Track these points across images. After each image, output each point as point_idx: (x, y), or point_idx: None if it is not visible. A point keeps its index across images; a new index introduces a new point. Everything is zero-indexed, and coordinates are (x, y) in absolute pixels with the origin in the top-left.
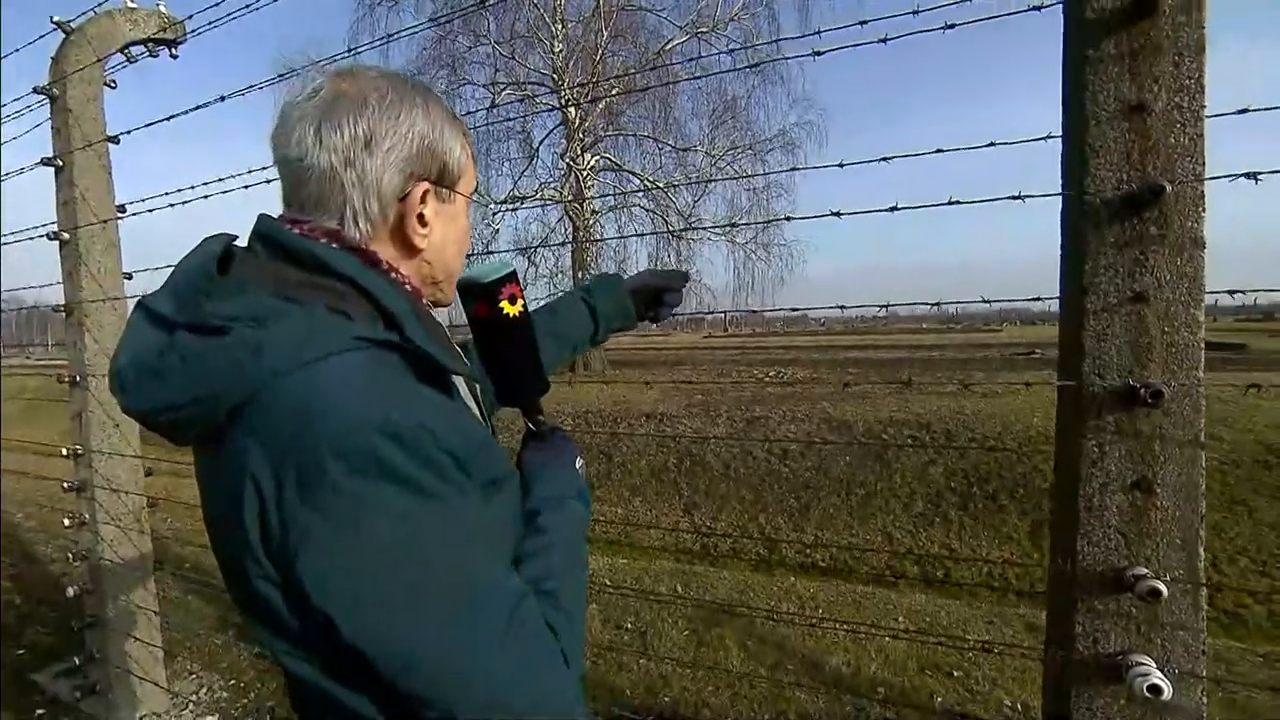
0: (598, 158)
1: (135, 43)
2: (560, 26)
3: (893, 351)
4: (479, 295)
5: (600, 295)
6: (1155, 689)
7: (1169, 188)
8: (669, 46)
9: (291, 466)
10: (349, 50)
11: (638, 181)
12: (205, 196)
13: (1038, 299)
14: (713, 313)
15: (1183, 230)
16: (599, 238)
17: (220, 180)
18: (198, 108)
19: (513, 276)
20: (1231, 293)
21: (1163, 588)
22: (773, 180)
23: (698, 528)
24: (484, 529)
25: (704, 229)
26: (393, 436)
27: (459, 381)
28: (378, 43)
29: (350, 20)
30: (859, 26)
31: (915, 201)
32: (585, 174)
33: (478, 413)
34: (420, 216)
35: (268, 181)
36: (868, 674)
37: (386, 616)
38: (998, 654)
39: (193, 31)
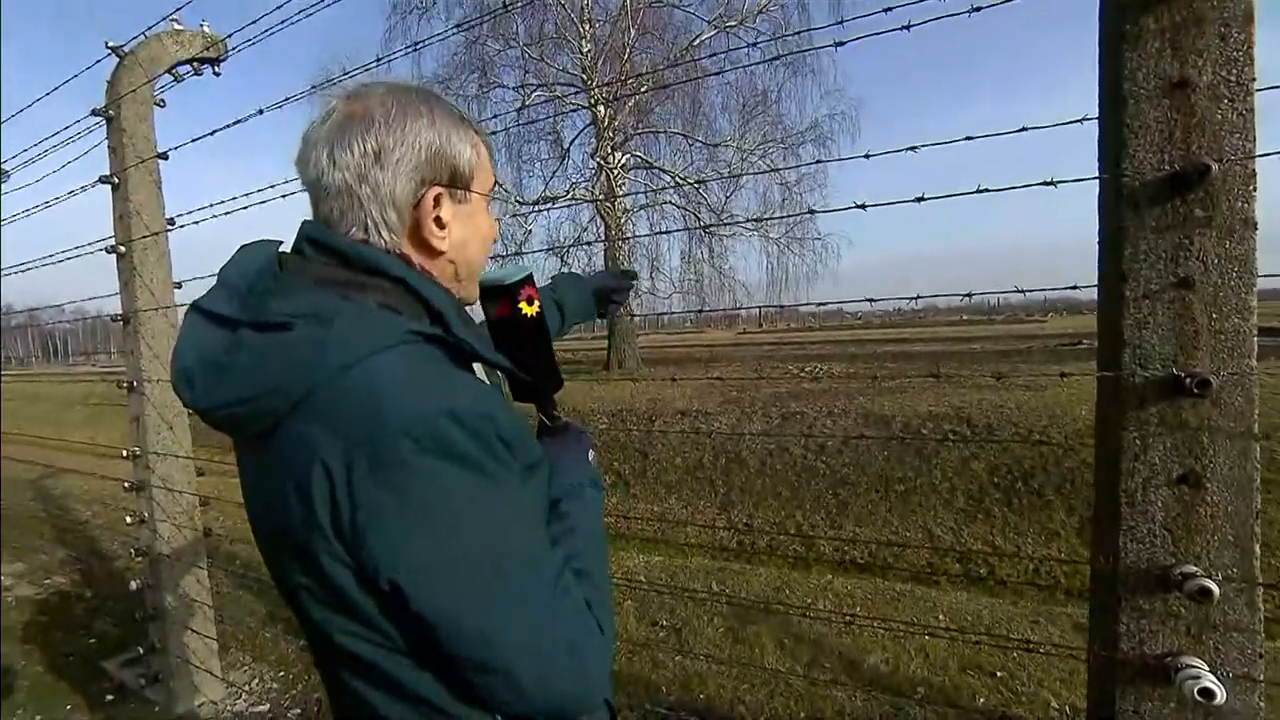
0: (628, 156)
1: (182, 62)
2: (588, 26)
3: (930, 345)
4: (500, 296)
5: (567, 294)
6: (1207, 692)
7: (1215, 166)
8: (697, 41)
9: (362, 449)
10: (379, 59)
11: (669, 178)
12: (245, 207)
13: (1075, 287)
14: (742, 309)
15: (1231, 211)
16: (631, 235)
17: (260, 191)
18: (237, 122)
19: (530, 279)
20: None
21: (1214, 587)
22: (805, 174)
23: (733, 524)
24: (528, 507)
25: (736, 224)
26: (458, 421)
27: (481, 373)
28: (407, 50)
29: (383, 28)
30: (883, 14)
31: (946, 190)
32: (616, 172)
33: None
34: (437, 219)
35: (286, 195)
36: (907, 673)
37: (452, 584)
38: (1043, 654)
39: (234, 49)
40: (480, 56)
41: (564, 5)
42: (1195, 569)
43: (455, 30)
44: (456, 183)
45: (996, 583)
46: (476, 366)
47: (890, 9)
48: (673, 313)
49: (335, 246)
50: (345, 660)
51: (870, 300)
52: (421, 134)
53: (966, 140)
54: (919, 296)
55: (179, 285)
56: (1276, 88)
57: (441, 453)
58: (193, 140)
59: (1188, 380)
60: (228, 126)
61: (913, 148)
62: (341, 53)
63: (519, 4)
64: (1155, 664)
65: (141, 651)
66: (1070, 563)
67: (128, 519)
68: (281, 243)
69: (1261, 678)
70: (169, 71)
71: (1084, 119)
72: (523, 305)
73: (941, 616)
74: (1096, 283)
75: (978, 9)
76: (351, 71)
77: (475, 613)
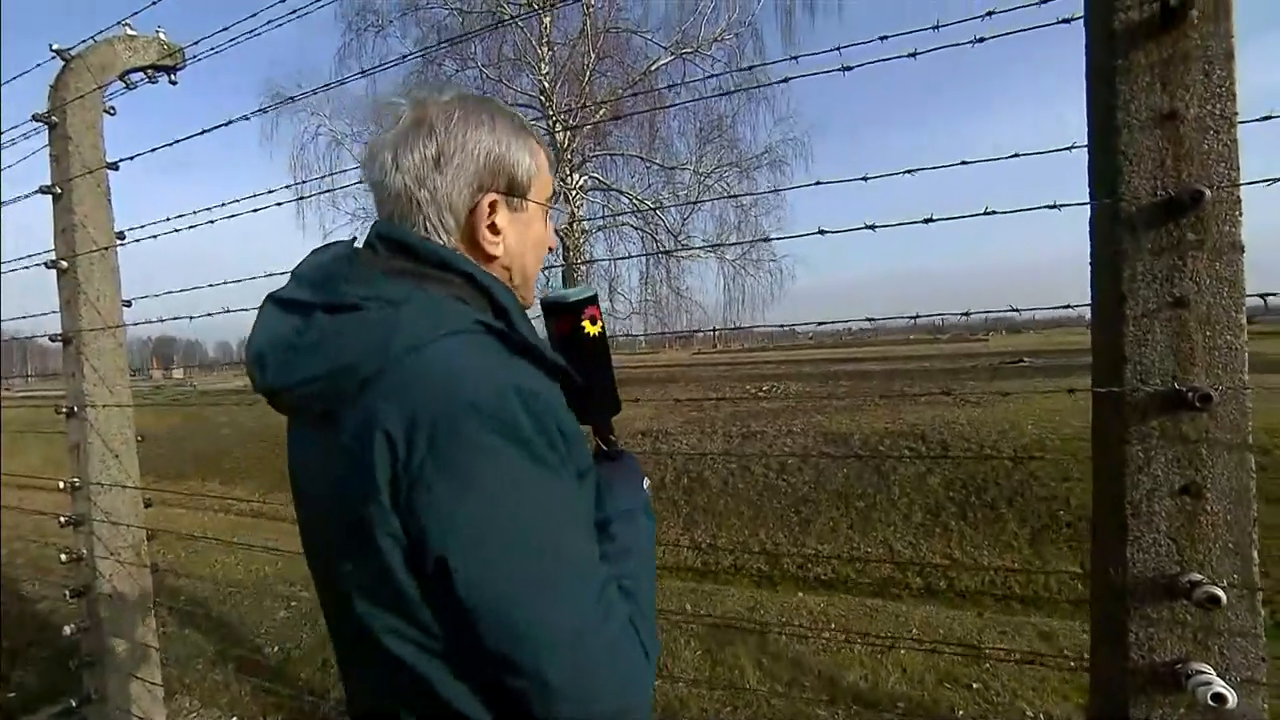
0: (586, 178)
1: (134, 70)
2: (547, 49)
3: (883, 363)
4: (563, 314)
5: None
6: (1220, 697)
7: (1209, 193)
8: (655, 67)
9: (427, 422)
10: (328, 85)
11: (627, 201)
12: (211, 222)
13: (1068, 306)
14: (699, 332)
15: (1220, 235)
16: (590, 259)
17: (224, 205)
18: (196, 135)
19: (594, 299)
20: (1264, 296)
21: (1221, 594)
22: (761, 197)
23: (697, 544)
24: (581, 509)
25: (693, 248)
26: (523, 400)
27: None
28: (365, 73)
29: (337, 46)
30: (837, 52)
31: (945, 214)
32: (574, 194)
33: None
34: (492, 225)
35: (257, 210)
36: (886, 688)
37: (496, 567)
38: (1014, 664)
39: (192, 58)
40: (437, 77)
41: (523, 28)
42: (1201, 576)
43: (413, 55)
44: (514, 191)
45: (956, 595)
46: None
47: (840, 48)
48: (633, 335)
49: (405, 241)
50: (380, 664)
51: (821, 323)
52: (481, 141)
53: (914, 170)
54: (918, 316)
55: (128, 303)
56: (1258, 120)
57: (505, 433)
58: (151, 150)
59: (1189, 394)
60: (187, 138)
61: (865, 177)
62: (294, 68)
63: (478, 30)
64: (1165, 671)
65: (75, 704)
66: (1025, 573)
67: (63, 557)
68: (355, 239)
69: (1264, 680)
70: (121, 79)
71: (1073, 146)
72: (585, 324)
73: (915, 630)
74: (1089, 302)
75: (914, 55)
76: (308, 93)
77: (515, 603)
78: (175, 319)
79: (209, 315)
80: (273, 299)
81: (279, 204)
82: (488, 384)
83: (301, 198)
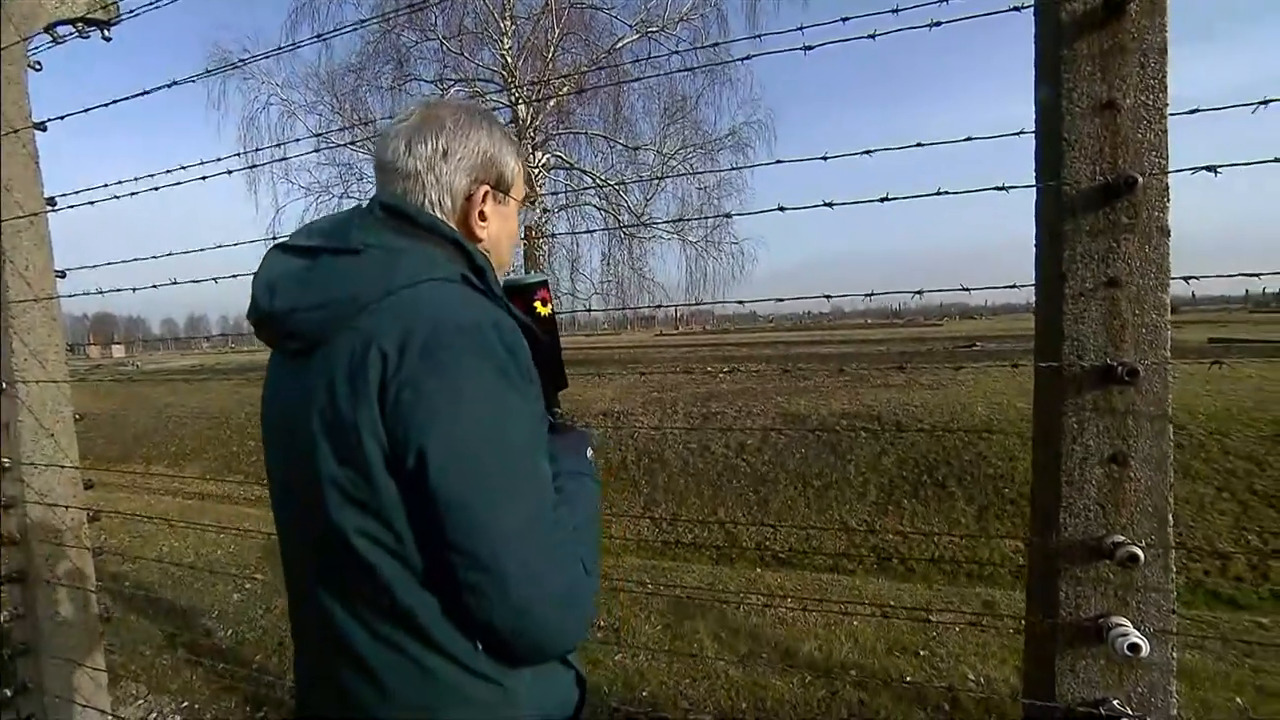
0: (549, 156)
1: (62, 21)
2: (510, 23)
3: (841, 347)
4: (518, 295)
5: None
6: (1135, 647)
7: (1141, 179)
8: (620, 45)
9: (418, 337)
10: (286, 46)
11: (590, 180)
12: (155, 189)
13: (1014, 286)
14: (660, 306)
15: (1150, 220)
16: (551, 233)
17: (169, 172)
18: (137, 95)
19: (545, 284)
20: (1186, 278)
21: (1140, 553)
22: (724, 179)
23: (657, 522)
24: (543, 439)
25: (655, 225)
26: (500, 335)
27: None
28: (321, 37)
29: (289, 9)
30: (800, 33)
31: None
32: (537, 172)
33: None
34: (481, 212)
35: (207, 177)
36: (839, 657)
37: (471, 466)
38: (959, 631)
39: (129, 12)
40: (395, 46)
41: (485, 0)
42: (1123, 538)
43: (369, 21)
44: (501, 186)
45: (907, 570)
46: None
47: (803, 28)
48: (592, 310)
49: (402, 208)
50: (346, 576)
51: (779, 299)
52: (481, 142)
53: (874, 151)
54: (872, 294)
55: (62, 274)
56: (1186, 113)
57: (485, 355)
58: (84, 110)
59: (1119, 369)
60: (121, 100)
61: (825, 156)
62: (242, 32)
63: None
64: (1090, 625)
65: (10, 693)
66: (972, 548)
67: None
68: (359, 205)
69: (1175, 630)
70: (47, 31)
71: (1021, 132)
72: (537, 305)
73: (867, 603)
74: (1034, 281)
75: (873, 36)
76: (257, 57)
77: (484, 502)
78: (117, 291)
79: (154, 287)
80: (280, 246)
81: (229, 172)
82: (471, 316)
83: (253, 166)
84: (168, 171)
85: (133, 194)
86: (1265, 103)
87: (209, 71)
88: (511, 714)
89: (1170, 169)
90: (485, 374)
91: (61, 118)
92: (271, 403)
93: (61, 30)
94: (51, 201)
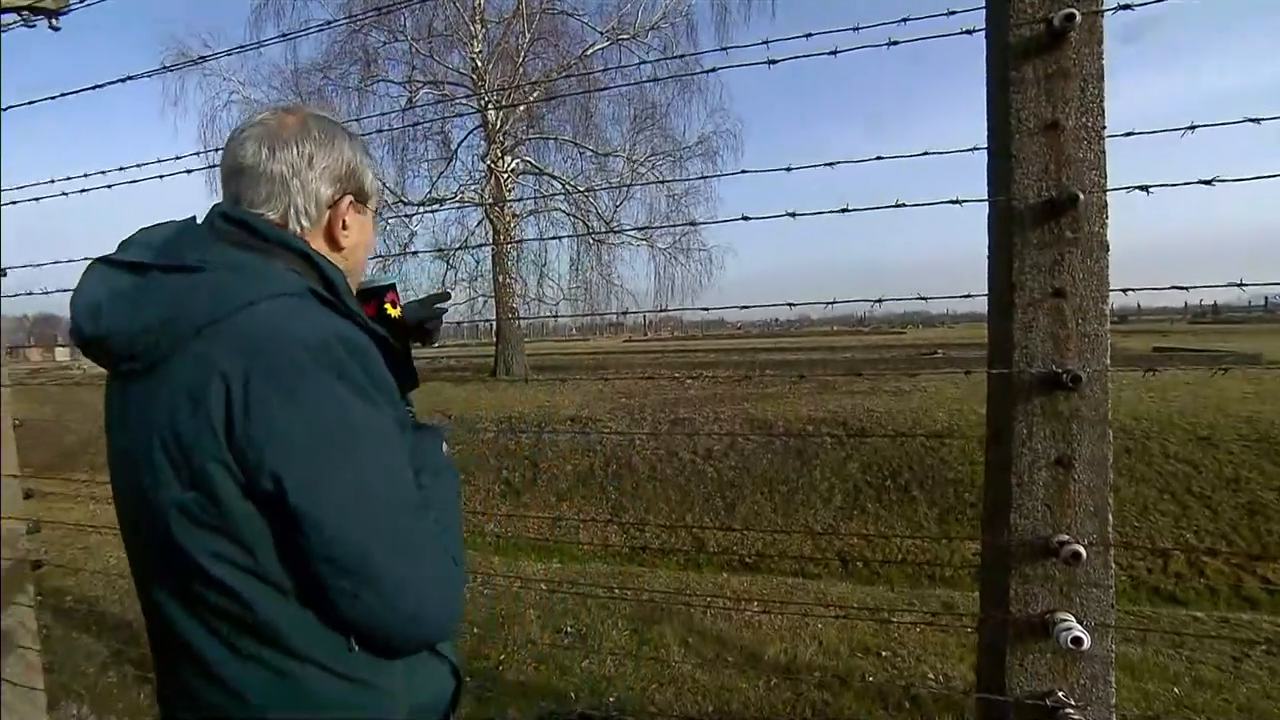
0: (518, 161)
1: (7, 9)
2: (480, 26)
3: (809, 354)
4: (369, 298)
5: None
6: (1077, 640)
7: (1082, 196)
8: (590, 51)
9: (261, 361)
10: (249, 44)
11: (559, 185)
12: (109, 186)
13: (969, 295)
14: (629, 312)
15: (1091, 234)
16: (520, 239)
17: (122, 169)
18: (87, 89)
19: (394, 287)
20: (1125, 290)
21: (1083, 551)
22: (692, 186)
23: (624, 528)
24: (400, 442)
25: (624, 231)
26: (345, 347)
27: None
28: (287, 37)
29: (253, 6)
30: (765, 46)
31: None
32: (506, 177)
33: None
34: (344, 221)
35: (162, 176)
36: (804, 659)
37: (326, 473)
38: (919, 631)
39: (79, 3)
40: (363, 47)
41: (455, 3)
42: (1068, 537)
43: (337, 22)
44: (361, 197)
45: (871, 573)
46: None
47: (767, 42)
48: (559, 316)
49: (246, 219)
50: (203, 589)
51: (744, 306)
52: (345, 151)
53: (834, 164)
54: (835, 301)
55: (3, 273)
56: (1123, 135)
57: (330, 367)
58: (28, 103)
59: (1064, 376)
60: (64, 94)
61: (789, 168)
62: (202, 28)
63: (408, 1)
64: (1037, 621)
65: None
66: (933, 551)
67: None
68: (194, 218)
69: (1114, 624)
70: None
71: (974, 149)
72: (388, 307)
73: (831, 607)
74: (986, 291)
75: (834, 53)
76: (219, 54)
77: (348, 516)
78: (64, 291)
79: None
80: (103, 260)
81: (188, 171)
82: (314, 331)
83: (213, 165)
84: (121, 169)
85: (83, 190)
86: (1192, 128)
87: (166, 67)
88: (386, 714)
89: (1109, 187)
90: (335, 390)
91: (4, 109)
92: (115, 429)
93: (5, 19)
94: None
